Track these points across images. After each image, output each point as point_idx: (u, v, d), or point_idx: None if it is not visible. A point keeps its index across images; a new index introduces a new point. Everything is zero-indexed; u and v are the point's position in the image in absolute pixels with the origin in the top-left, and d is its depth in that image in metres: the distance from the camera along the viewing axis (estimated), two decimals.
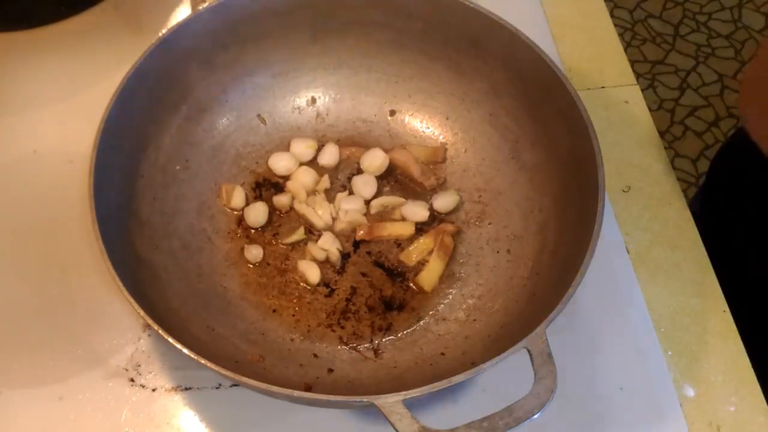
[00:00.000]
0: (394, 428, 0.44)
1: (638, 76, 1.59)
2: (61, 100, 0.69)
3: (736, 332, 0.60)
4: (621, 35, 1.70)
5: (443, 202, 0.62)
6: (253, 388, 0.47)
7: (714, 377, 0.58)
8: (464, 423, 0.44)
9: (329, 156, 0.64)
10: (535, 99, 0.60)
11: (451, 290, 0.59)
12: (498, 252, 0.60)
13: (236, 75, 0.63)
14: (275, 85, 0.65)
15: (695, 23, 1.77)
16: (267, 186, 0.63)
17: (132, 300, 0.47)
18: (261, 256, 0.60)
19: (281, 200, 0.62)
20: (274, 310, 0.58)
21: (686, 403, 0.57)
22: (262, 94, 0.65)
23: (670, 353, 0.59)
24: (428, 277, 0.59)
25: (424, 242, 0.60)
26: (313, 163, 0.64)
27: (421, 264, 0.60)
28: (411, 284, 0.59)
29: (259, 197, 0.63)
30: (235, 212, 0.61)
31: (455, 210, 0.62)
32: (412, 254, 0.60)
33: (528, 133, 0.61)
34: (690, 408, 0.57)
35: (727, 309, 0.61)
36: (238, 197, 0.61)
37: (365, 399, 0.45)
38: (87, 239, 0.59)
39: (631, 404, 0.57)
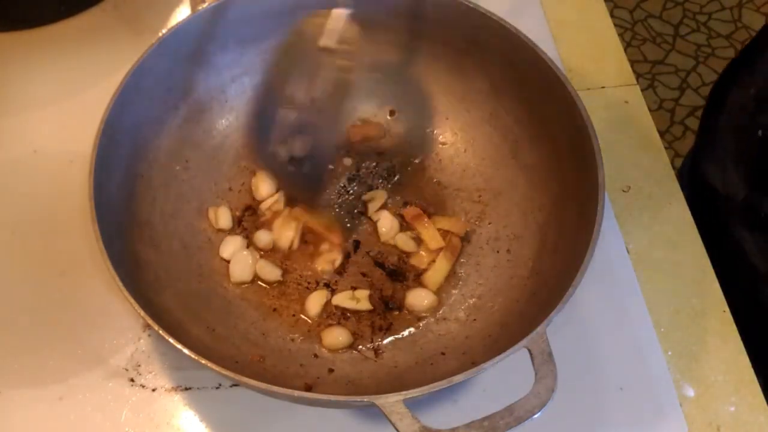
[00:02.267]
0: (395, 428, 0.44)
1: (638, 76, 1.59)
2: (61, 100, 0.69)
3: (736, 332, 0.60)
4: (621, 35, 1.70)
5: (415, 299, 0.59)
6: (254, 389, 0.47)
7: (714, 377, 0.58)
8: (464, 423, 0.44)
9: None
10: (535, 99, 0.60)
11: (451, 290, 0.59)
12: (498, 252, 0.60)
13: (236, 75, 0.63)
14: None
15: (695, 23, 1.77)
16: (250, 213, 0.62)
17: (132, 300, 0.47)
18: (270, 245, 0.60)
19: (262, 239, 0.60)
20: (275, 310, 0.58)
21: (686, 403, 0.57)
22: (261, 94, 0.64)
23: (670, 353, 0.59)
24: (434, 276, 0.59)
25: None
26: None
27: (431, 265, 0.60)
28: (411, 284, 0.59)
29: (239, 224, 0.61)
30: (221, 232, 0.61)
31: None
32: (423, 258, 0.60)
33: (528, 132, 0.61)
34: (690, 408, 0.57)
35: (727, 309, 0.61)
36: (223, 218, 0.60)
37: (366, 399, 0.45)
38: (87, 239, 0.58)
39: (631, 404, 0.57)
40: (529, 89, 0.60)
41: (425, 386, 0.45)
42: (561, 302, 0.47)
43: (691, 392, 0.58)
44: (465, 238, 0.61)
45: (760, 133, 0.67)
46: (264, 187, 0.62)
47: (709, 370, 0.59)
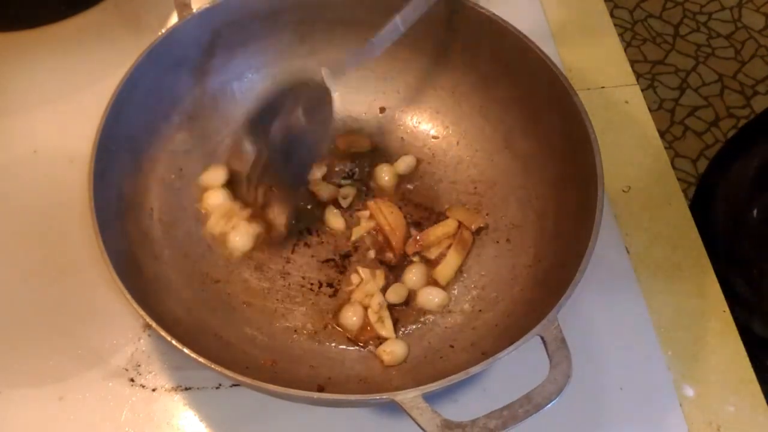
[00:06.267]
0: (417, 423, 0.43)
1: (638, 76, 1.59)
2: (61, 100, 0.69)
3: (736, 332, 0.60)
4: (621, 35, 1.70)
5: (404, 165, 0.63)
6: (270, 393, 0.46)
7: (714, 377, 0.58)
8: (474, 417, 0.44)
9: None
10: (525, 87, 0.60)
11: (454, 282, 0.59)
12: (498, 242, 0.60)
13: (225, 80, 0.63)
14: (264, 88, 0.65)
15: (695, 23, 1.77)
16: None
17: (140, 309, 0.46)
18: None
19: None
20: (280, 313, 0.58)
21: (686, 403, 0.57)
22: (251, 98, 0.64)
23: (670, 353, 0.59)
24: (444, 271, 0.59)
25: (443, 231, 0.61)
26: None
27: (440, 257, 0.60)
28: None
29: None
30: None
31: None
32: (432, 249, 0.60)
33: (520, 122, 0.61)
34: (690, 408, 0.57)
35: (727, 309, 0.61)
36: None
37: (385, 396, 0.44)
38: (87, 239, 0.58)
39: (631, 404, 0.57)
40: (518, 78, 0.60)
41: (443, 379, 0.44)
42: (570, 288, 0.47)
43: (691, 392, 0.58)
44: (476, 233, 0.61)
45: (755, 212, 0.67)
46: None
47: (709, 370, 0.59)
